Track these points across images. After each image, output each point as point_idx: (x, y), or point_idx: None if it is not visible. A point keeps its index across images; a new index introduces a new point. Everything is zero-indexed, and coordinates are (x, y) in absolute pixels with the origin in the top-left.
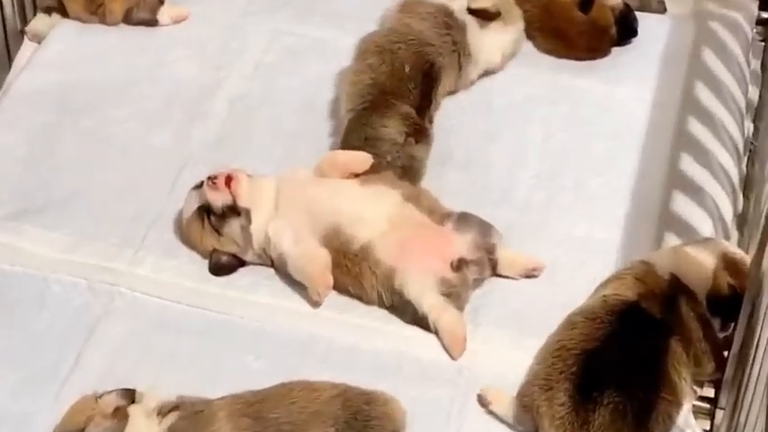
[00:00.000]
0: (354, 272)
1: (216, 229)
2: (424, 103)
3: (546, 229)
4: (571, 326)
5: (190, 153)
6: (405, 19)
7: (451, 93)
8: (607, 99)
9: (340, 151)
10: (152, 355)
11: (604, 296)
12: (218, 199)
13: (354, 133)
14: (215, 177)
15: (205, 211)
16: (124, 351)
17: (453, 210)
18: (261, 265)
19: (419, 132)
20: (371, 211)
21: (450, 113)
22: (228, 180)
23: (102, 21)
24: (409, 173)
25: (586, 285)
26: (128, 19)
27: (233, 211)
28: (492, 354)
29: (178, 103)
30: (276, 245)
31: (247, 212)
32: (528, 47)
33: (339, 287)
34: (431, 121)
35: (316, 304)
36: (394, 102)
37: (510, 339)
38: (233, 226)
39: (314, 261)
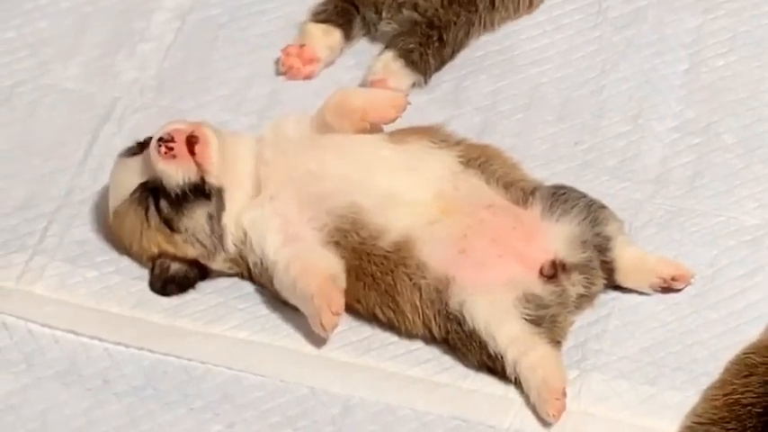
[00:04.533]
0: (385, 284)
1: (168, 223)
2: None
3: (694, 216)
4: (747, 370)
5: (115, 97)
6: None
7: None
8: None
9: (355, 89)
10: (58, 428)
11: None
12: (177, 173)
13: None
14: (170, 138)
15: (151, 192)
16: (10, 422)
17: (542, 182)
18: (232, 276)
19: None
20: (411, 186)
21: (531, 29)
22: (192, 142)
23: None
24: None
25: (764, 306)
26: None
27: (199, 191)
28: (609, 419)
29: (95, 17)
30: (255, 244)
31: (220, 193)
32: None
33: (360, 310)
34: None
35: (320, 341)
36: None
37: (637, 395)
38: (197, 216)
39: (311, 271)
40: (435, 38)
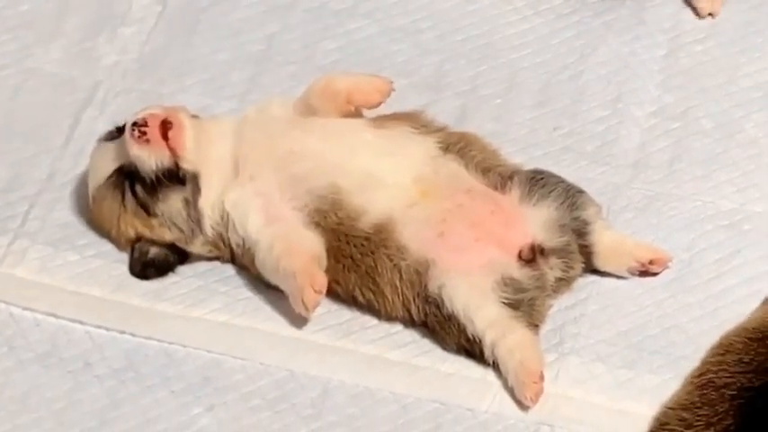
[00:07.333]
0: (365, 266)
1: (144, 207)
2: None
3: (672, 200)
4: (723, 349)
5: (96, 81)
6: None
7: None
8: None
9: (340, 75)
10: (39, 410)
11: None
12: (150, 158)
13: None
14: (144, 123)
15: (127, 176)
16: None
17: (521, 166)
18: (213, 260)
19: None
20: (391, 170)
21: (510, 14)
22: (166, 127)
23: None
24: None
25: (741, 290)
26: None
27: (173, 177)
28: (587, 402)
29: (76, 1)
30: (238, 225)
31: (195, 178)
32: None
33: (339, 292)
34: None
35: (300, 324)
36: None
37: (615, 379)
38: (172, 201)
39: (294, 250)
40: None
